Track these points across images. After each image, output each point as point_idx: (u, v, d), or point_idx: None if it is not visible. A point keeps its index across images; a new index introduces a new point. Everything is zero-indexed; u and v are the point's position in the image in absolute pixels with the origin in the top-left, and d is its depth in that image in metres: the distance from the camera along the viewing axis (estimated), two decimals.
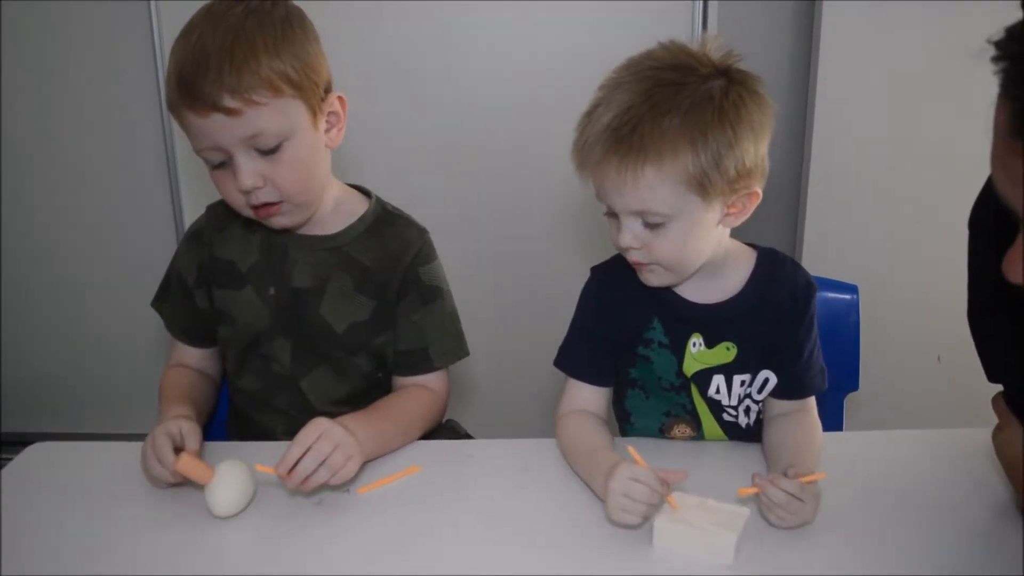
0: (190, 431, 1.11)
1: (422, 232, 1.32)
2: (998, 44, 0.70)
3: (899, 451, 1.21)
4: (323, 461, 1.03)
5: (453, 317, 1.33)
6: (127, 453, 1.16)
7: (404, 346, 1.29)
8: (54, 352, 2.50)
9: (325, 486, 1.06)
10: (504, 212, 2.29)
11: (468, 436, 1.44)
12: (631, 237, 1.08)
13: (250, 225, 1.29)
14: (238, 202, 1.17)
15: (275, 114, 1.10)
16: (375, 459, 1.17)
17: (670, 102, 1.01)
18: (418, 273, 1.29)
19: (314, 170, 1.19)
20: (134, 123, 2.27)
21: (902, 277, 2.17)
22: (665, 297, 1.18)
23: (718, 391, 1.20)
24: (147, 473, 1.11)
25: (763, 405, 1.22)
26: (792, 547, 0.98)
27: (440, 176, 2.26)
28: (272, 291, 1.28)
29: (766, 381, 1.20)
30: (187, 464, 1.05)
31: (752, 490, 1.00)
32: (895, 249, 2.16)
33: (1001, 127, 0.72)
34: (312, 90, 1.14)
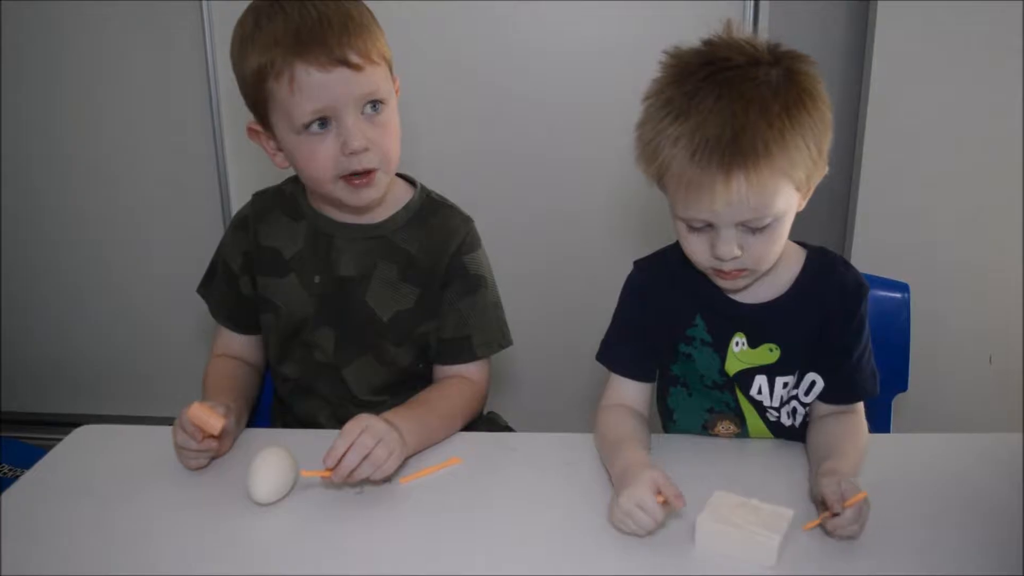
0: (221, 407, 1.12)
1: (467, 220, 1.32)
2: None
3: (947, 455, 1.19)
4: (366, 456, 1.03)
5: (497, 306, 1.33)
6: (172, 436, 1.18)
7: (447, 334, 1.30)
8: (104, 337, 2.55)
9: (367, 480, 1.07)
10: (549, 202, 2.29)
11: (508, 428, 1.44)
12: (734, 246, 1.04)
13: (295, 214, 1.30)
14: (328, 173, 1.18)
15: (382, 78, 1.17)
16: (424, 449, 1.17)
17: (766, 100, 0.98)
18: (463, 262, 1.29)
19: (399, 138, 1.22)
20: (184, 115, 2.30)
21: (954, 276, 2.12)
22: (710, 295, 1.16)
23: (760, 391, 1.18)
24: (176, 449, 1.12)
25: (809, 407, 1.20)
26: (836, 549, 0.96)
27: (484, 167, 2.25)
28: (317, 279, 1.28)
29: (812, 384, 1.17)
30: (196, 411, 1.07)
31: (815, 523, 0.98)
32: (947, 247, 2.12)
33: None
34: (391, 66, 1.21)
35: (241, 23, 1.17)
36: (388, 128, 1.18)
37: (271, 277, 1.31)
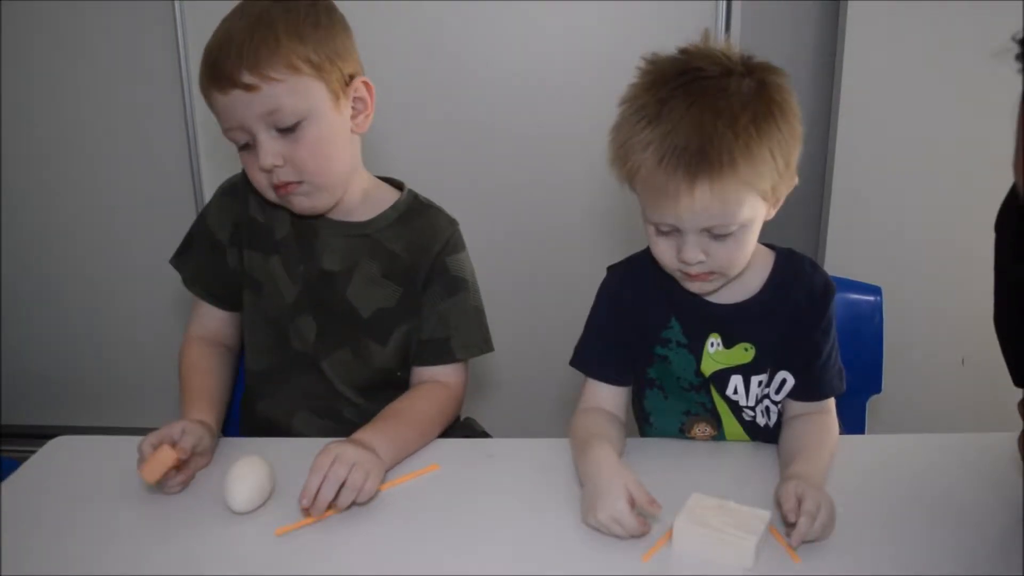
0: (190, 431, 1.10)
1: (452, 222, 1.33)
2: (1022, 43, 0.69)
3: (922, 455, 1.20)
4: (343, 484, 1.03)
5: (478, 311, 1.33)
6: None
7: (426, 335, 1.30)
8: (78, 347, 2.53)
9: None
10: (528, 208, 2.30)
11: (485, 434, 1.44)
12: (699, 252, 1.06)
13: None
14: (262, 183, 1.19)
15: (292, 92, 1.13)
16: (399, 462, 1.17)
17: (734, 111, 0.99)
18: (446, 262, 1.29)
19: (335, 152, 1.20)
20: (157, 124, 2.28)
21: (926, 279, 2.15)
22: (683, 297, 1.17)
23: (736, 391, 1.20)
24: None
25: (781, 406, 1.22)
26: (812, 551, 0.97)
27: (464, 173, 2.26)
28: (302, 268, 1.29)
29: (783, 382, 1.19)
30: (153, 469, 1.05)
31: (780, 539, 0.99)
32: (919, 250, 2.14)
33: (1023, 128, 0.71)
34: (333, 73, 1.17)
35: None
36: (305, 144, 1.16)
37: (258, 253, 1.30)
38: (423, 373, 1.31)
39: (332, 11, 1.20)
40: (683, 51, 1.07)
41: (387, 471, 1.13)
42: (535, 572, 0.95)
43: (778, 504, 1.00)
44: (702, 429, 1.24)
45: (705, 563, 0.95)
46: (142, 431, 1.13)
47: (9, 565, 0.96)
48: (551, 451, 1.21)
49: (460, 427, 1.41)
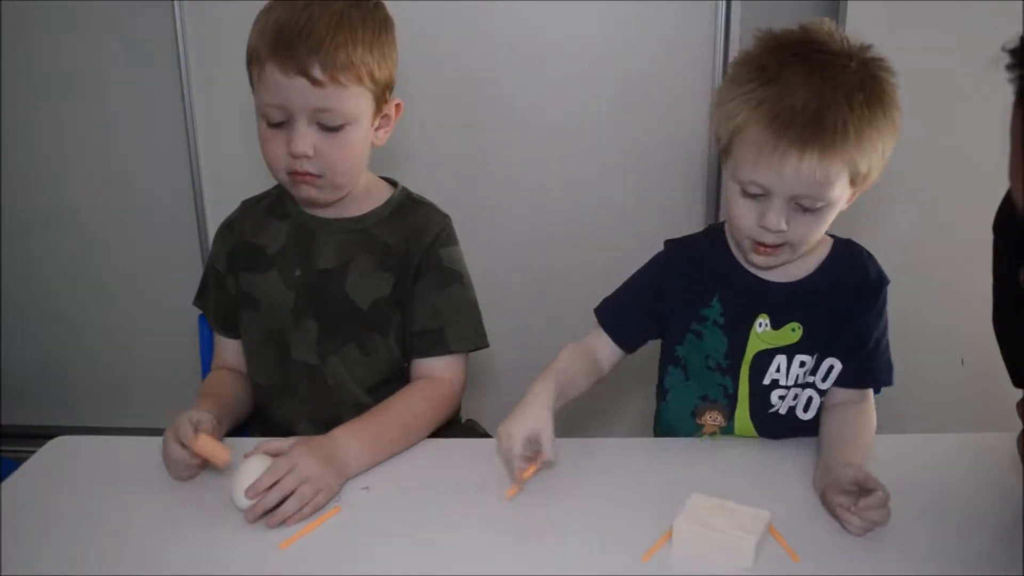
0: (207, 419, 1.13)
1: (444, 216, 1.35)
2: (1013, 52, 0.69)
3: (921, 455, 1.20)
4: (288, 494, 1.04)
5: (472, 305, 1.34)
6: (149, 447, 1.17)
7: (420, 326, 1.30)
8: (78, 347, 2.53)
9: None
10: (530, 205, 2.30)
11: (487, 436, 1.43)
12: (783, 220, 1.08)
13: (281, 214, 1.33)
14: (279, 163, 1.21)
15: (350, 99, 1.17)
16: (378, 464, 1.17)
17: (852, 88, 1.03)
18: (438, 254, 1.30)
19: (360, 159, 1.25)
20: (157, 124, 2.28)
21: (925, 279, 2.15)
22: (735, 276, 1.20)
23: (778, 370, 1.21)
24: (167, 459, 1.12)
25: (826, 395, 1.23)
26: (811, 551, 0.97)
27: (465, 170, 2.27)
28: (298, 272, 1.30)
29: (831, 369, 1.21)
30: (205, 442, 1.08)
31: None
32: (918, 251, 2.14)
33: (1017, 136, 0.71)
34: (384, 90, 1.23)
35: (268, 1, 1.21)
36: (341, 145, 1.20)
37: (254, 273, 1.32)
38: (419, 367, 1.32)
39: (393, 26, 1.24)
40: (804, 27, 1.10)
41: (360, 474, 1.14)
42: (535, 572, 0.95)
43: (844, 485, 1.02)
44: (713, 417, 1.25)
45: (705, 563, 0.95)
46: (142, 431, 1.14)
47: (9, 565, 0.96)
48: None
49: (462, 429, 1.41)
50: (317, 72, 1.13)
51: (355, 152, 1.23)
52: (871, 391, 1.23)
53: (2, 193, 2.38)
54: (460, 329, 1.31)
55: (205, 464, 1.13)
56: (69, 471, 1.18)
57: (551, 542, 1.00)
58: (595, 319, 1.29)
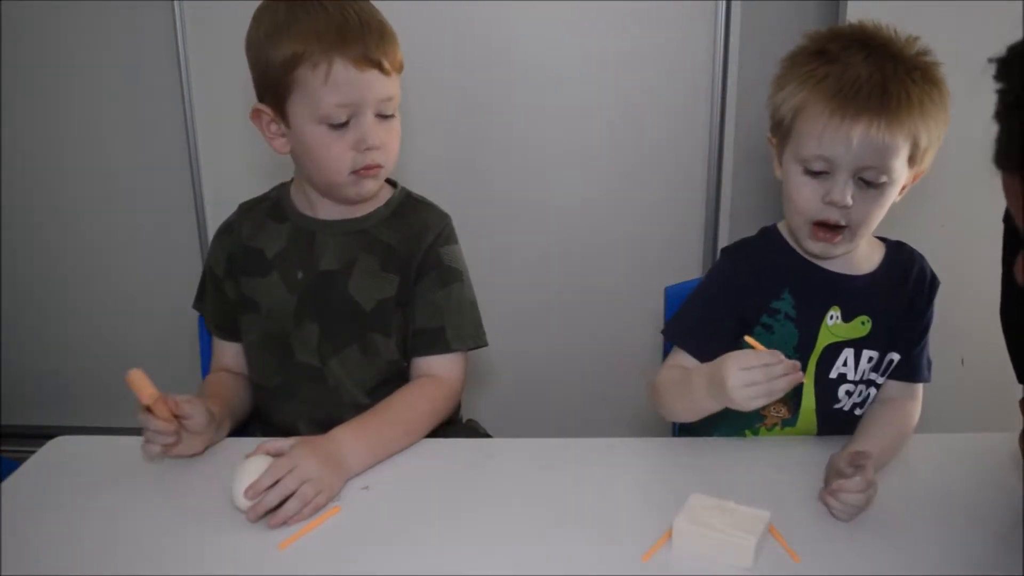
0: (188, 399, 1.16)
1: (444, 216, 1.35)
2: (998, 63, 0.69)
3: (922, 455, 1.20)
4: (290, 495, 1.04)
5: (472, 304, 1.34)
6: None
7: (421, 324, 1.30)
8: (78, 347, 2.53)
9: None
10: (530, 204, 2.30)
11: (487, 436, 1.43)
12: (848, 196, 1.09)
13: (280, 216, 1.33)
14: (344, 163, 1.22)
15: (398, 86, 1.24)
16: (379, 463, 1.17)
17: (909, 66, 1.08)
18: (439, 253, 1.31)
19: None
20: (157, 123, 2.28)
21: None
22: (803, 269, 1.21)
23: (846, 363, 1.22)
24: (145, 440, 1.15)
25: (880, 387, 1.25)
26: (810, 551, 0.97)
27: (467, 174, 2.27)
28: (300, 275, 1.30)
29: (891, 363, 1.23)
30: (136, 376, 1.13)
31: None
32: (919, 251, 2.14)
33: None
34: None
35: (271, 11, 1.21)
36: (395, 132, 1.25)
37: (254, 277, 1.32)
38: (419, 366, 1.32)
39: None
40: (851, 24, 1.15)
41: (361, 473, 1.14)
42: (535, 572, 0.95)
43: (839, 466, 1.04)
44: (777, 409, 1.26)
45: (705, 563, 0.95)
46: (142, 431, 1.13)
47: (9, 565, 0.96)
48: (551, 451, 1.21)
49: (463, 429, 1.41)
50: (385, 63, 1.19)
51: (399, 140, 1.27)
52: (920, 390, 1.25)
53: (2, 193, 2.38)
54: (460, 328, 1.31)
55: (173, 438, 1.14)
56: (69, 471, 1.18)
57: (551, 542, 1.00)
58: (667, 342, 1.29)
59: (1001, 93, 0.69)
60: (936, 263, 2.15)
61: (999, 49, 0.71)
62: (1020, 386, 1.13)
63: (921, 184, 2.08)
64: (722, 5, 2.11)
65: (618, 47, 2.13)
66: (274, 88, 1.21)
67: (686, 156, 2.25)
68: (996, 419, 1.25)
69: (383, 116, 1.22)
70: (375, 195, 1.31)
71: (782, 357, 1.02)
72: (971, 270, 2.10)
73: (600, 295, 2.28)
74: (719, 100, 2.18)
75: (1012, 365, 1.12)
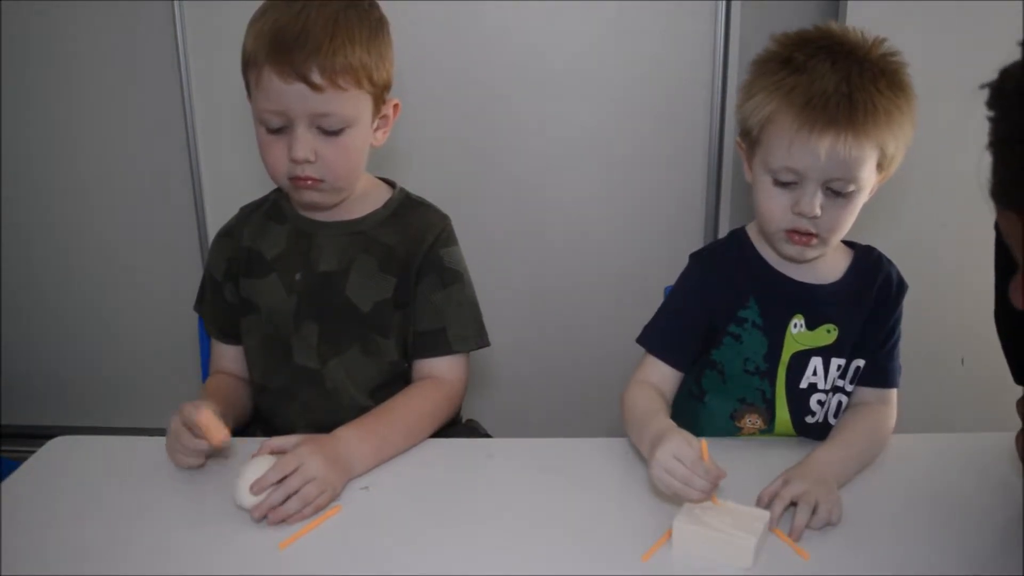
0: (210, 405, 1.13)
1: (444, 217, 1.35)
2: (990, 89, 0.68)
3: (922, 455, 1.21)
4: (292, 494, 1.04)
5: (473, 305, 1.34)
6: (149, 447, 1.18)
7: (422, 326, 1.30)
8: (78, 347, 2.53)
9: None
10: (530, 206, 2.30)
11: (487, 436, 1.43)
12: (817, 206, 1.10)
13: (279, 218, 1.33)
14: (280, 169, 1.21)
15: (349, 102, 1.17)
16: (381, 463, 1.17)
17: (876, 73, 1.08)
18: (440, 255, 1.30)
19: (359, 161, 1.26)
20: (157, 124, 2.28)
21: (925, 279, 2.14)
22: (768, 277, 1.21)
23: (815, 373, 1.22)
24: (174, 447, 1.13)
25: (850, 395, 1.25)
26: (810, 550, 0.97)
27: (467, 170, 2.27)
28: (298, 276, 1.29)
29: (858, 369, 1.23)
30: (208, 417, 1.08)
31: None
32: (919, 251, 2.13)
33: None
34: (382, 91, 1.23)
35: (263, 1, 1.21)
36: (341, 149, 1.19)
37: (253, 278, 1.32)
38: (422, 368, 1.32)
39: (388, 25, 1.24)
40: (817, 27, 1.15)
41: (364, 474, 1.14)
42: (535, 572, 0.95)
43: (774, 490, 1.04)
44: (752, 420, 1.25)
45: (705, 563, 0.95)
46: (142, 431, 1.14)
47: (9, 565, 0.96)
48: (551, 451, 1.21)
49: (463, 429, 1.41)
50: (316, 77, 1.13)
51: (355, 155, 1.23)
52: (894, 395, 1.24)
53: (2, 193, 2.38)
54: (462, 329, 1.31)
55: (209, 453, 1.13)
56: (69, 471, 1.18)
57: (551, 542, 1.00)
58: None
59: (994, 123, 0.68)
60: (936, 263, 2.16)
61: (998, 50, 0.70)
62: (1019, 387, 1.13)
63: (921, 184, 2.09)
64: (722, 5, 2.11)
65: (618, 47, 2.13)
66: (245, 79, 1.21)
67: (686, 156, 2.25)
68: (995, 419, 1.24)
69: (326, 131, 1.18)
70: (329, 205, 1.28)
71: (711, 469, 0.98)
72: (971, 270, 2.10)
73: (600, 295, 2.28)
74: (719, 100, 2.18)
75: (1009, 367, 1.12)
